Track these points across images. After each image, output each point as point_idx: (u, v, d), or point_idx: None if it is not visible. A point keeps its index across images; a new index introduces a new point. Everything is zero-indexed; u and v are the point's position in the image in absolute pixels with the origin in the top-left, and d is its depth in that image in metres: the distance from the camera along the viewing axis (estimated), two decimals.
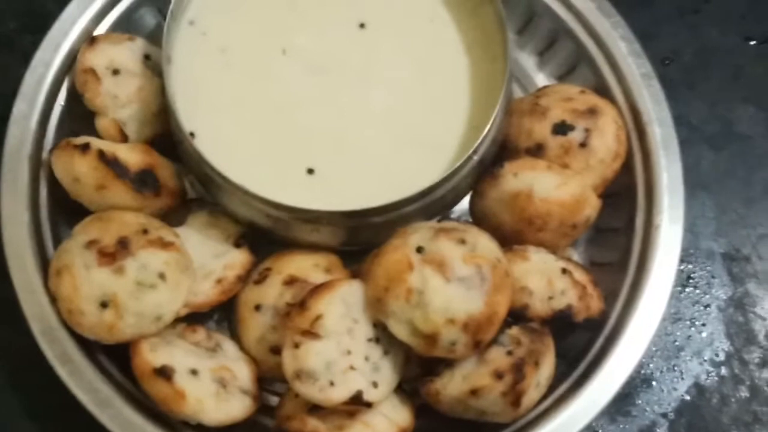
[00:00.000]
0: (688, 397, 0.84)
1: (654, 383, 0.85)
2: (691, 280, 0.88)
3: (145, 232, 0.73)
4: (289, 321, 0.71)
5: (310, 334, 0.69)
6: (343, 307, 0.71)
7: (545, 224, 0.76)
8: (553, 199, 0.75)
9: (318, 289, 0.71)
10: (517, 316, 0.73)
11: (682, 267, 0.88)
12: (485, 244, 0.72)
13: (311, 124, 0.78)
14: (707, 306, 0.88)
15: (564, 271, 0.75)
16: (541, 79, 0.91)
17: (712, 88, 0.96)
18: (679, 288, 0.88)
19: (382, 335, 0.71)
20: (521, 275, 0.74)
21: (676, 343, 0.86)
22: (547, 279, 0.74)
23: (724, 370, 0.85)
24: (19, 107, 0.80)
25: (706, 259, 0.89)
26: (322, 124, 0.78)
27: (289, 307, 0.73)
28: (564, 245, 0.80)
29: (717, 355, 0.86)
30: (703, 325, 0.87)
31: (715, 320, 0.87)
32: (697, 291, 0.88)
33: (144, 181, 0.76)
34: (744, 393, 0.85)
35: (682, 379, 0.85)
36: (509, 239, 0.77)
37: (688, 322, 0.87)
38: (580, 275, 0.76)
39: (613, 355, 0.75)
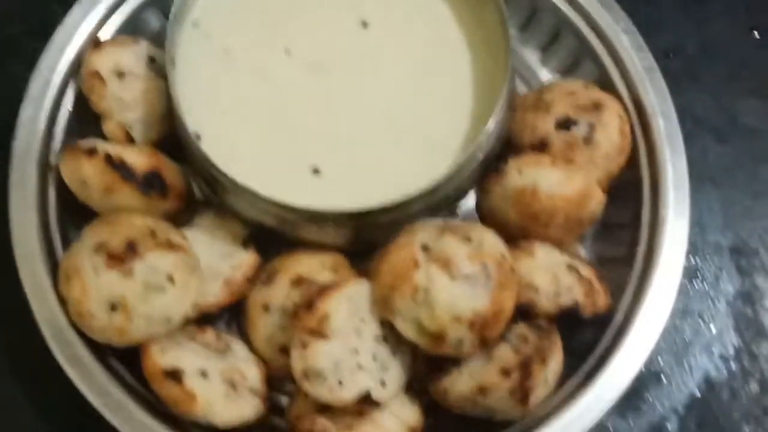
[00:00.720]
0: (698, 392, 0.84)
1: (663, 378, 0.84)
2: (698, 274, 0.88)
3: (152, 234, 0.73)
4: (296, 321, 0.71)
5: (318, 333, 0.69)
6: (350, 306, 0.71)
7: (551, 220, 0.76)
8: (558, 194, 0.75)
9: (325, 289, 0.71)
10: (523, 313, 0.73)
11: (689, 261, 0.87)
12: (490, 241, 0.72)
13: (315, 124, 0.78)
14: (715, 300, 0.87)
15: (570, 267, 0.75)
16: (544, 75, 0.91)
17: (717, 81, 0.96)
18: (687, 282, 0.87)
19: (390, 334, 0.71)
20: (527, 272, 0.74)
21: (685, 338, 0.86)
22: (553, 275, 0.74)
23: (733, 365, 0.85)
24: (26, 111, 0.80)
25: (713, 253, 0.89)
26: (326, 123, 0.78)
27: (296, 307, 0.73)
28: (570, 241, 0.80)
29: (726, 350, 0.86)
30: (712, 319, 0.87)
31: (724, 314, 0.87)
32: (705, 285, 0.88)
33: (151, 183, 0.76)
34: (754, 387, 0.85)
35: (692, 374, 0.85)
36: (515, 236, 0.77)
37: (696, 317, 0.87)
38: (586, 271, 0.76)
39: (621, 350, 0.75)
